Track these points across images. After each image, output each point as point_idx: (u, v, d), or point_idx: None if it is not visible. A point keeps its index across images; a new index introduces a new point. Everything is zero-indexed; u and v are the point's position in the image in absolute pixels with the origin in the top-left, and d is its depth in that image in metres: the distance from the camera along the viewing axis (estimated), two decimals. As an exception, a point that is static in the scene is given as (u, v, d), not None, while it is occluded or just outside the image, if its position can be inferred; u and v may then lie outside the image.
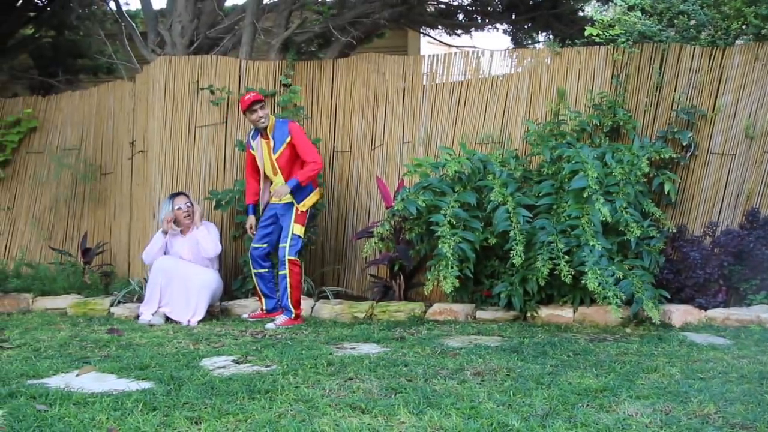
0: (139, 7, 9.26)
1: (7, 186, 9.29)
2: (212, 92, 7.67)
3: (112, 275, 8.19)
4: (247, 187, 7.03)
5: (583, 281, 6.05)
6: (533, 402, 3.96)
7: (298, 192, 6.56)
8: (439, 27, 10.53)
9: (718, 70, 7.05)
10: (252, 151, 6.86)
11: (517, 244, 6.19)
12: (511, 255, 6.20)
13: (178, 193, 7.14)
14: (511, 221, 6.31)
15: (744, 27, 7.15)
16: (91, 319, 6.92)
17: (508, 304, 6.48)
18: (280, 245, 6.57)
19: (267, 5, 8.78)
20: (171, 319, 6.72)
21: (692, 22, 7.28)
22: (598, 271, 5.99)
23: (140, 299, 7.00)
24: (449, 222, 6.39)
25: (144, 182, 8.00)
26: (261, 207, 6.91)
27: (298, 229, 6.57)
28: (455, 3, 10.19)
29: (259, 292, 6.85)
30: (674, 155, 6.92)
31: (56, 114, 9.26)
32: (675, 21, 7.34)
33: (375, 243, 6.80)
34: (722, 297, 6.56)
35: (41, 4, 10.37)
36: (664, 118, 7.14)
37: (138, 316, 6.80)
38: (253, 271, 6.84)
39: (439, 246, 6.31)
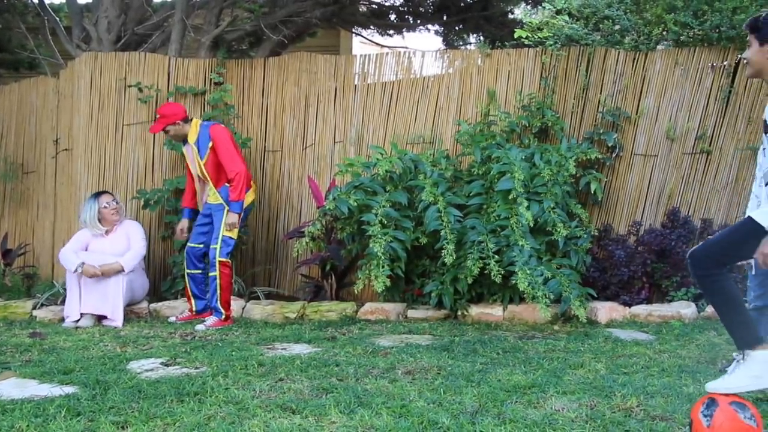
0: (63, 0, 9.05)
1: None
2: (140, 90, 7.57)
3: (34, 277, 7.99)
4: (186, 190, 6.95)
5: (513, 281, 6.14)
6: (463, 399, 4.01)
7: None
8: (372, 27, 10.56)
9: (641, 73, 7.22)
10: (185, 154, 6.80)
11: (448, 243, 6.24)
12: (442, 254, 6.25)
13: (101, 192, 7.01)
14: (442, 221, 6.36)
15: (665, 33, 7.35)
16: (11, 323, 6.71)
17: (438, 303, 6.53)
18: (211, 246, 6.50)
19: (197, 2, 8.70)
20: (101, 317, 6.61)
21: (617, 27, 7.44)
22: (528, 271, 6.08)
23: (64, 301, 6.85)
24: (380, 221, 6.42)
25: (69, 181, 7.85)
26: (200, 208, 6.83)
27: (228, 231, 6.51)
28: (387, 3, 10.24)
29: (189, 293, 6.77)
30: (600, 156, 7.06)
31: (-26, 111, 9.02)
32: (600, 25, 7.50)
33: (306, 243, 6.79)
34: (645, 294, 6.72)
35: (-45, -5, 10.08)
36: (590, 120, 7.29)
37: (63, 319, 6.66)
38: (187, 270, 6.75)
39: (371, 245, 6.33)
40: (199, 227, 6.73)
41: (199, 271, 6.72)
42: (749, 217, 3.33)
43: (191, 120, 6.69)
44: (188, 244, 6.76)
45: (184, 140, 6.67)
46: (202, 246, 6.68)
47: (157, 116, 6.69)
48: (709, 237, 3.62)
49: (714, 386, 3.35)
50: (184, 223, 6.91)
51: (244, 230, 7.33)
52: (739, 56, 7.02)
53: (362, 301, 6.85)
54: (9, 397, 4.15)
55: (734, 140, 7.05)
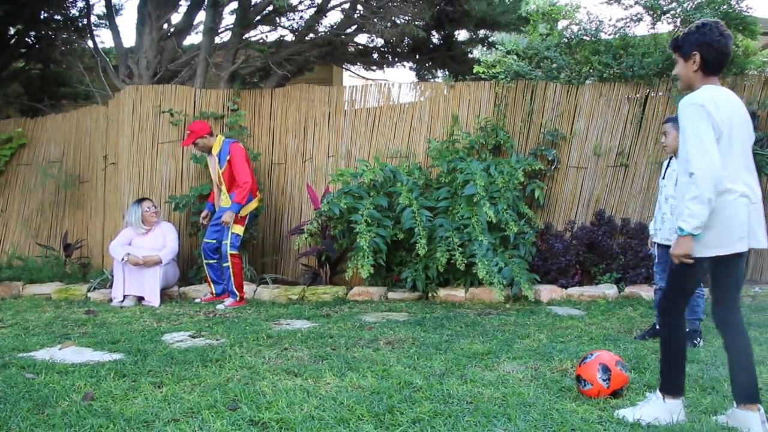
0: (112, 44, 9.01)
1: (1, 192, 8.95)
2: (172, 115, 7.51)
3: (88, 266, 7.93)
4: (212, 191, 6.93)
5: (474, 269, 6.14)
6: (433, 364, 4.00)
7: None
8: (358, 63, 10.50)
9: (573, 102, 7.24)
10: (209, 163, 6.76)
11: (420, 238, 6.23)
12: (416, 247, 6.23)
13: (143, 199, 6.97)
14: (416, 220, 6.34)
15: (591, 71, 7.38)
16: (71, 303, 6.68)
17: (413, 286, 6.51)
18: (223, 242, 6.47)
19: (218, 44, 8.63)
20: (140, 297, 6.59)
21: (554, 65, 7.46)
22: (486, 262, 6.08)
23: (112, 285, 6.79)
24: (366, 221, 6.39)
25: (115, 189, 7.78)
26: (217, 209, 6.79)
27: (237, 229, 6.47)
28: (371, 45, 10.19)
29: (209, 279, 6.72)
30: (542, 168, 7.07)
31: (42, 133, 8.93)
32: (541, 64, 7.51)
33: (306, 238, 6.76)
34: (578, 278, 6.74)
35: (30, 42, 10.06)
36: (534, 139, 7.29)
37: (111, 300, 6.61)
38: (205, 261, 6.70)
39: (358, 240, 6.30)
40: (212, 226, 6.67)
41: (214, 261, 6.67)
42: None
43: (216, 135, 6.66)
44: (204, 240, 6.71)
45: (209, 151, 6.63)
46: (214, 242, 6.63)
47: (188, 132, 6.64)
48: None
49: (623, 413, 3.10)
50: (205, 212, 6.87)
51: (255, 228, 7.30)
52: (648, 90, 7.08)
53: (351, 286, 6.83)
54: (70, 362, 4.15)
55: (645, 156, 7.08)
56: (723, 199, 2.92)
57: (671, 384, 3.05)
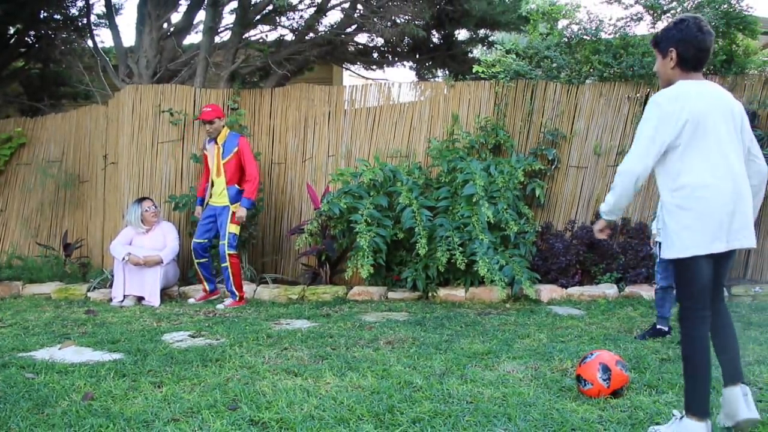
0: (112, 44, 9.01)
1: (0, 192, 8.95)
2: (171, 114, 7.50)
3: (88, 266, 7.92)
4: (201, 183, 6.91)
5: (474, 268, 6.13)
6: (433, 364, 4.00)
7: (237, 197, 6.45)
8: (358, 63, 10.51)
9: (573, 102, 7.24)
10: (205, 152, 6.73)
11: (421, 238, 6.22)
12: (416, 247, 6.23)
13: (143, 198, 6.97)
14: (416, 220, 6.34)
15: (591, 70, 7.37)
16: (71, 302, 6.68)
17: (413, 286, 6.51)
18: (220, 242, 6.44)
19: (217, 44, 8.63)
20: (140, 297, 6.59)
21: (554, 65, 7.45)
22: (487, 260, 6.07)
23: (112, 285, 6.79)
24: (366, 220, 6.38)
25: (115, 189, 7.77)
26: (204, 203, 6.74)
27: (233, 228, 6.45)
28: (371, 44, 10.19)
29: (201, 277, 6.69)
30: (542, 167, 7.06)
31: (42, 132, 8.93)
32: (541, 63, 7.50)
33: (306, 238, 6.75)
34: (578, 278, 6.74)
35: (30, 42, 10.07)
36: (534, 138, 7.28)
37: (111, 300, 6.60)
38: (196, 260, 6.65)
39: (358, 240, 6.30)
40: (202, 226, 6.63)
41: (206, 259, 6.64)
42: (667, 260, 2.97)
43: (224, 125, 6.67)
44: (194, 240, 6.66)
45: (215, 138, 6.59)
46: (205, 241, 6.61)
47: (207, 109, 6.56)
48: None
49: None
50: (198, 209, 6.82)
51: (255, 228, 7.30)
52: (649, 89, 7.07)
53: (351, 285, 6.82)
54: (70, 362, 4.15)
55: (647, 155, 7.07)
56: (700, 194, 2.81)
57: (693, 403, 2.80)
